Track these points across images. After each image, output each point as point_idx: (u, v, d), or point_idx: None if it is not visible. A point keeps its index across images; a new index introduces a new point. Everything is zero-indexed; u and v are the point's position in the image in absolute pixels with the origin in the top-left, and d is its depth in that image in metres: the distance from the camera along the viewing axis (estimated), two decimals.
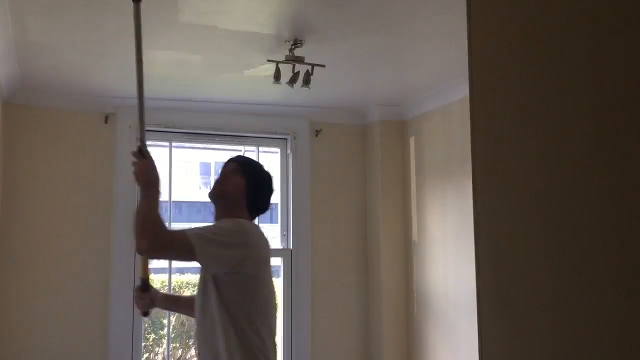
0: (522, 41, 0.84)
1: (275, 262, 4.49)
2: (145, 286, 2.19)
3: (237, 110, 4.02)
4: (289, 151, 4.19)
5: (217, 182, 2.17)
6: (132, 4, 2.04)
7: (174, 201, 4.29)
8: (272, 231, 4.53)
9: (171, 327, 5.21)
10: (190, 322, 6.76)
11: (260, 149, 4.33)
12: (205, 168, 17.38)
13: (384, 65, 3.22)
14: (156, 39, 2.78)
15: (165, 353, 4.34)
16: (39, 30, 2.68)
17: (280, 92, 3.58)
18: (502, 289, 0.84)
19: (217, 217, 2.15)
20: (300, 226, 4.13)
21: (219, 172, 2.23)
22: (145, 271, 2.19)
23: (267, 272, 2.06)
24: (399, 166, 4.16)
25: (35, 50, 2.95)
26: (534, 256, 0.79)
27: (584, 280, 0.71)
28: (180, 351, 6.55)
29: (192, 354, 6.72)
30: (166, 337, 4.43)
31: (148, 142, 4.02)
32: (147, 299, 2.20)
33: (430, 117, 3.88)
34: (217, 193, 2.14)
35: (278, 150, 4.27)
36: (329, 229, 4.18)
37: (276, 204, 4.31)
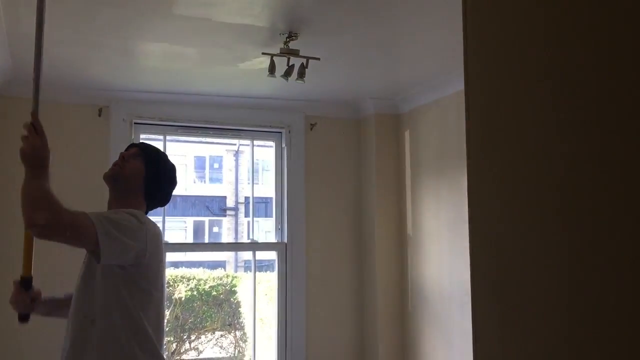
0: (517, 34, 0.84)
1: (270, 255, 4.49)
2: (27, 284, 1.91)
3: (232, 103, 4.00)
4: (283, 145, 4.19)
5: (114, 164, 1.95)
6: None
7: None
8: (266, 225, 4.52)
9: (165, 321, 5.20)
10: (185, 315, 6.77)
11: (255, 142, 4.32)
12: (199, 162, 17.38)
13: (378, 58, 3.22)
14: (150, 31, 2.77)
15: None
16: (32, 22, 2.66)
17: (274, 85, 3.57)
18: (497, 283, 0.84)
19: (110, 203, 1.96)
20: (295, 220, 4.13)
21: (119, 155, 2.02)
22: (29, 268, 1.92)
23: (163, 272, 1.90)
24: (394, 160, 4.16)
25: (28, 42, 2.92)
26: (528, 250, 0.79)
27: (578, 274, 0.71)
28: (174, 345, 6.56)
29: (187, 347, 6.73)
30: None
31: (143, 135, 4.06)
32: (28, 299, 1.90)
33: (425, 111, 3.88)
34: (113, 174, 1.94)
35: (273, 143, 4.27)
36: (323, 222, 4.18)
37: (271, 198, 4.31)
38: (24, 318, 1.94)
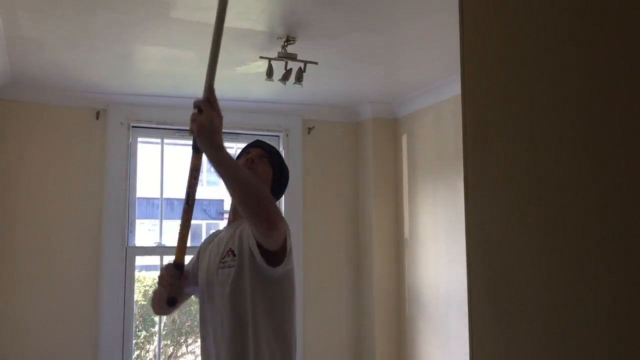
0: (513, 39, 0.84)
1: None
2: (181, 268, 1.79)
3: (229, 107, 4.00)
4: (281, 148, 4.19)
5: (245, 165, 1.85)
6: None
7: (165, 198, 4.27)
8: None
9: (162, 324, 5.19)
10: (181, 319, 6.75)
11: None
12: None
13: (376, 62, 3.22)
14: (148, 34, 2.77)
15: (157, 350, 4.33)
16: (30, 25, 2.66)
17: (272, 89, 3.57)
18: (493, 286, 0.85)
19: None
20: (292, 223, 4.11)
21: (239, 153, 1.98)
22: (182, 256, 1.78)
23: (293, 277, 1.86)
24: (391, 164, 4.16)
25: (26, 45, 2.92)
26: (524, 253, 0.80)
27: (574, 277, 0.71)
28: (171, 348, 6.54)
29: (183, 351, 6.70)
30: (157, 335, 4.42)
31: (140, 139, 4.06)
32: (179, 285, 1.80)
33: (422, 115, 3.89)
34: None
35: None
36: (321, 226, 4.18)
37: None
38: (172, 302, 1.85)
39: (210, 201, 17.13)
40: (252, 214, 1.52)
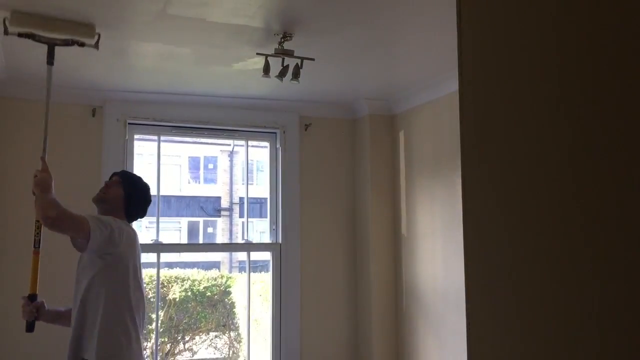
0: (512, 35, 0.84)
1: (265, 256, 4.49)
2: (33, 298, 2.51)
3: (226, 103, 4.00)
4: (278, 145, 4.18)
5: (100, 190, 2.60)
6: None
7: (162, 195, 4.27)
8: (261, 225, 4.52)
9: (159, 321, 5.19)
10: (179, 316, 6.76)
11: (250, 142, 4.32)
12: (194, 162, 17.35)
13: (373, 59, 3.22)
14: (144, 31, 2.76)
15: (154, 347, 4.33)
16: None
17: (269, 86, 3.57)
18: (491, 282, 0.85)
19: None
20: (289, 220, 4.13)
21: (104, 181, 2.71)
22: (34, 287, 2.55)
23: (134, 261, 2.45)
24: (388, 160, 4.16)
25: (21, 42, 2.91)
26: (522, 250, 0.80)
27: (572, 274, 0.71)
28: (168, 346, 6.54)
29: (181, 348, 6.71)
30: (154, 332, 4.42)
31: (136, 135, 4.05)
32: (33, 307, 2.50)
33: (420, 112, 3.89)
34: (99, 199, 2.57)
35: (267, 144, 4.26)
36: (318, 223, 4.19)
37: (265, 198, 4.30)
38: (30, 326, 2.50)
39: (207, 198, 17.13)
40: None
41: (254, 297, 5.67)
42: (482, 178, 0.88)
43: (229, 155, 16.39)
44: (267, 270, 4.40)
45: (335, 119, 4.28)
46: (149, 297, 6.44)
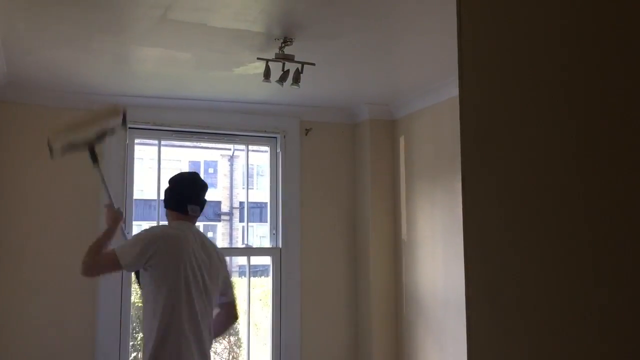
0: (512, 40, 0.84)
1: (265, 260, 4.48)
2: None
3: (227, 108, 4.00)
4: (278, 150, 4.18)
5: None
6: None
7: (162, 200, 4.26)
8: (261, 230, 4.52)
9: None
10: None
11: (250, 147, 4.32)
12: (194, 167, 17.33)
13: (374, 64, 3.22)
14: (145, 36, 2.76)
15: None
16: (26, 26, 2.66)
17: (270, 91, 3.57)
18: (491, 288, 0.84)
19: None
20: (290, 225, 4.13)
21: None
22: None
23: (172, 265, 2.46)
24: (389, 165, 4.16)
25: (22, 47, 2.92)
26: (522, 255, 0.80)
27: (573, 277, 0.71)
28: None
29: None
30: None
31: (137, 140, 4.05)
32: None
33: (420, 116, 3.89)
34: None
35: (268, 148, 4.26)
36: (318, 227, 4.18)
37: (265, 203, 4.30)
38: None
39: (208, 202, 17.12)
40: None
41: (253, 302, 5.66)
42: (483, 183, 0.88)
43: (229, 160, 16.38)
44: (267, 275, 4.40)
45: (335, 124, 4.28)
46: None
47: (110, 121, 2.72)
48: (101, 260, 2.48)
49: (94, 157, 2.73)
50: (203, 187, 2.69)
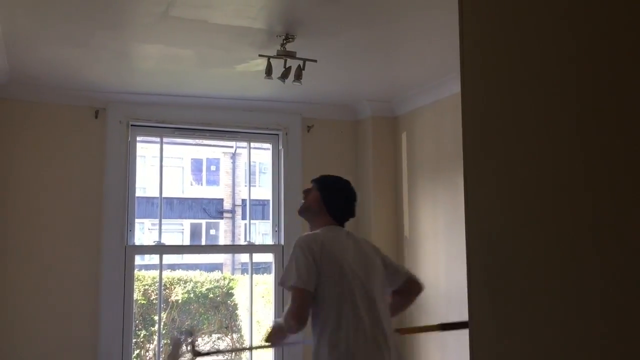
0: (513, 37, 0.84)
1: (267, 258, 4.48)
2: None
3: (228, 105, 4.00)
4: (280, 147, 4.18)
5: (302, 202, 2.60)
6: None
7: (164, 198, 4.27)
8: (263, 227, 4.52)
9: (162, 323, 5.19)
10: (181, 318, 6.75)
11: (252, 144, 4.32)
12: (196, 164, 17.36)
13: (375, 60, 3.22)
14: (146, 32, 2.76)
15: (156, 349, 4.33)
16: (28, 23, 2.66)
17: (271, 88, 3.57)
18: (493, 284, 0.84)
19: (310, 228, 2.59)
20: (292, 222, 4.12)
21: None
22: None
23: (332, 273, 2.31)
24: (391, 162, 4.16)
25: (24, 44, 2.92)
26: (525, 251, 0.79)
27: (575, 274, 0.71)
28: (171, 347, 6.54)
29: (183, 350, 6.70)
30: (157, 334, 4.42)
31: (139, 137, 4.05)
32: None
33: (422, 113, 3.89)
34: (300, 210, 2.59)
35: (269, 145, 4.26)
36: None
37: (268, 200, 4.30)
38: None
39: (210, 200, 17.13)
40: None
41: (256, 299, 5.67)
42: (485, 179, 0.88)
43: (232, 157, 16.40)
44: (270, 272, 4.40)
45: (337, 121, 4.28)
46: (151, 298, 6.45)
47: None
48: (293, 315, 2.24)
49: None
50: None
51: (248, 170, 4.36)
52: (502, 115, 0.85)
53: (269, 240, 4.25)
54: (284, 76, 2.95)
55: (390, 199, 4.13)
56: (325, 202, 2.50)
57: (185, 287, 6.83)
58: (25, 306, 3.54)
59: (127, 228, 3.80)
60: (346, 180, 2.61)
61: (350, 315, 2.25)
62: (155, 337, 5.62)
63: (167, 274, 7.08)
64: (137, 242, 3.92)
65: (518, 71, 0.83)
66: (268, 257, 4.36)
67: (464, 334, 1.00)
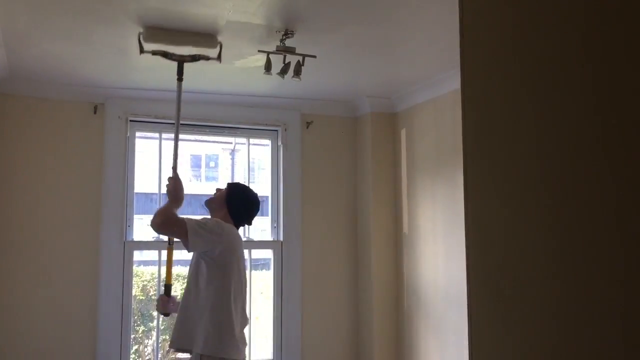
0: (513, 32, 0.84)
1: (266, 254, 4.48)
2: (168, 291, 2.82)
3: (228, 101, 3.99)
4: (279, 143, 4.18)
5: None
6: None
7: (164, 193, 4.26)
8: (262, 223, 4.52)
9: (161, 319, 5.19)
10: None
11: (251, 140, 4.31)
12: (195, 160, 17.33)
13: (375, 56, 3.21)
14: (145, 28, 2.75)
15: (155, 345, 4.33)
16: (27, 19, 2.65)
17: (271, 83, 3.56)
18: (492, 282, 0.84)
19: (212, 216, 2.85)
20: (291, 218, 4.13)
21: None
22: (169, 278, 2.85)
23: (236, 260, 2.68)
24: (390, 158, 4.16)
25: (23, 39, 2.91)
26: (524, 248, 0.79)
27: (575, 270, 0.71)
28: (168, 343, 6.54)
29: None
30: (155, 329, 4.42)
31: (138, 133, 4.04)
32: (169, 302, 2.80)
33: (421, 110, 3.88)
34: (206, 202, 2.91)
35: (269, 141, 4.26)
36: (319, 220, 4.18)
37: (267, 196, 4.30)
38: (165, 315, 2.89)
39: (209, 196, 17.16)
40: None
41: (255, 295, 5.67)
42: (484, 176, 0.88)
43: (231, 154, 16.38)
44: (269, 268, 4.40)
45: (336, 117, 4.27)
46: (150, 294, 6.45)
47: (207, 49, 2.81)
48: (174, 223, 2.55)
49: (180, 74, 2.90)
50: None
51: (247, 167, 4.36)
52: (502, 112, 0.85)
53: (267, 237, 4.25)
54: (283, 72, 2.95)
55: (389, 196, 4.13)
56: (228, 207, 2.82)
57: (184, 283, 6.82)
58: (23, 300, 3.54)
59: (126, 223, 3.80)
60: (251, 194, 2.95)
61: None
62: (154, 333, 5.62)
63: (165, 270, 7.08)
64: (136, 237, 3.92)
65: (518, 68, 0.82)
66: (267, 254, 4.36)
67: (463, 331, 1.00)
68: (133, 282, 3.94)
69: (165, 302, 2.80)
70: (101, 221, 3.72)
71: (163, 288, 2.85)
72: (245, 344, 2.68)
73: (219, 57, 2.84)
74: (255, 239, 4.36)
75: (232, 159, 16.63)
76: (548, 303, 0.74)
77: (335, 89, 3.92)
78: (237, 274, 2.66)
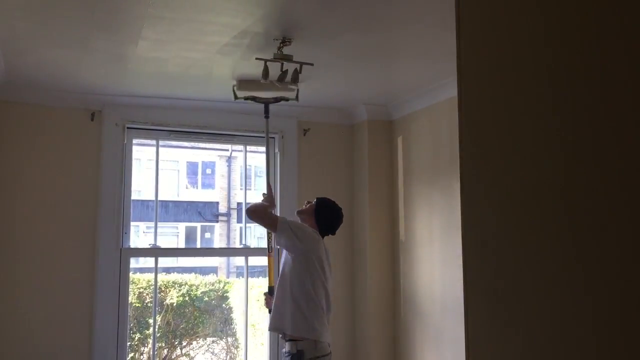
0: (510, 41, 0.84)
1: (262, 261, 4.48)
2: (271, 290, 3.23)
3: (225, 108, 4.00)
4: (276, 150, 4.18)
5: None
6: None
7: (160, 200, 4.25)
8: (258, 231, 4.51)
9: (157, 326, 5.17)
10: (176, 321, 6.73)
11: (248, 147, 4.31)
12: (192, 167, 17.33)
13: (371, 64, 3.23)
14: (143, 35, 2.76)
15: (151, 353, 4.31)
16: (24, 26, 2.65)
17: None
18: (489, 288, 0.84)
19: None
20: None
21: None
22: (271, 281, 3.30)
23: (317, 259, 3.01)
24: (387, 166, 4.16)
25: (21, 46, 2.91)
26: (520, 255, 0.80)
27: (570, 277, 0.71)
28: (165, 351, 6.52)
29: (178, 353, 6.69)
30: (151, 337, 4.41)
31: (135, 140, 4.05)
32: (272, 299, 3.13)
33: (418, 117, 3.89)
34: (298, 212, 3.28)
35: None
36: None
37: None
38: (270, 311, 3.17)
39: (205, 203, 17.10)
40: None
41: (251, 302, 5.66)
42: (481, 184, 0.88)
43: (227, 161, 16.37)
44: (265, 276, 4.39)
45: (333, 124, 4.28)
46: (146, 301, 6.43)
47: (287, 92, 3.25)
48: (267, 216, 3.04)
49: (267, 112, 3.41)
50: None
51: (244, 174, 4.36)
52: (498, 119, 0.86)
53: (264, 244, 4.24)
54: (280, 79, 2.95)
55: (386, 203, 4.13)
56: (316, 217, 3.16)
57: (180, 290, 6.81)
58: (20, 307, 3.52)
59: (123, 231, 3.79)
60: (335, 208, 3.25)
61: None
62: (150, 340, 5.60)
63: (162, 277, 7.06)
64: (133, 244, 3.91)
65: (514, 76, 0.83)
66: (263, 261, 4.35)
67: (460, 339, 1.00)
68: (129, 289, 3.93)
69: (269, 299, 3.20)
70: (98, 228, 3.71)
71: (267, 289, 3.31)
72: (327, 329, 3.01)
73: (296, 98, 3.29)
74: (252, 247, 4.35)
75: (229, 166, 16.64)
76: (544, 307, 0.75)
77: (332, 97, 3.93)
78: (317, 271, 2.99)
